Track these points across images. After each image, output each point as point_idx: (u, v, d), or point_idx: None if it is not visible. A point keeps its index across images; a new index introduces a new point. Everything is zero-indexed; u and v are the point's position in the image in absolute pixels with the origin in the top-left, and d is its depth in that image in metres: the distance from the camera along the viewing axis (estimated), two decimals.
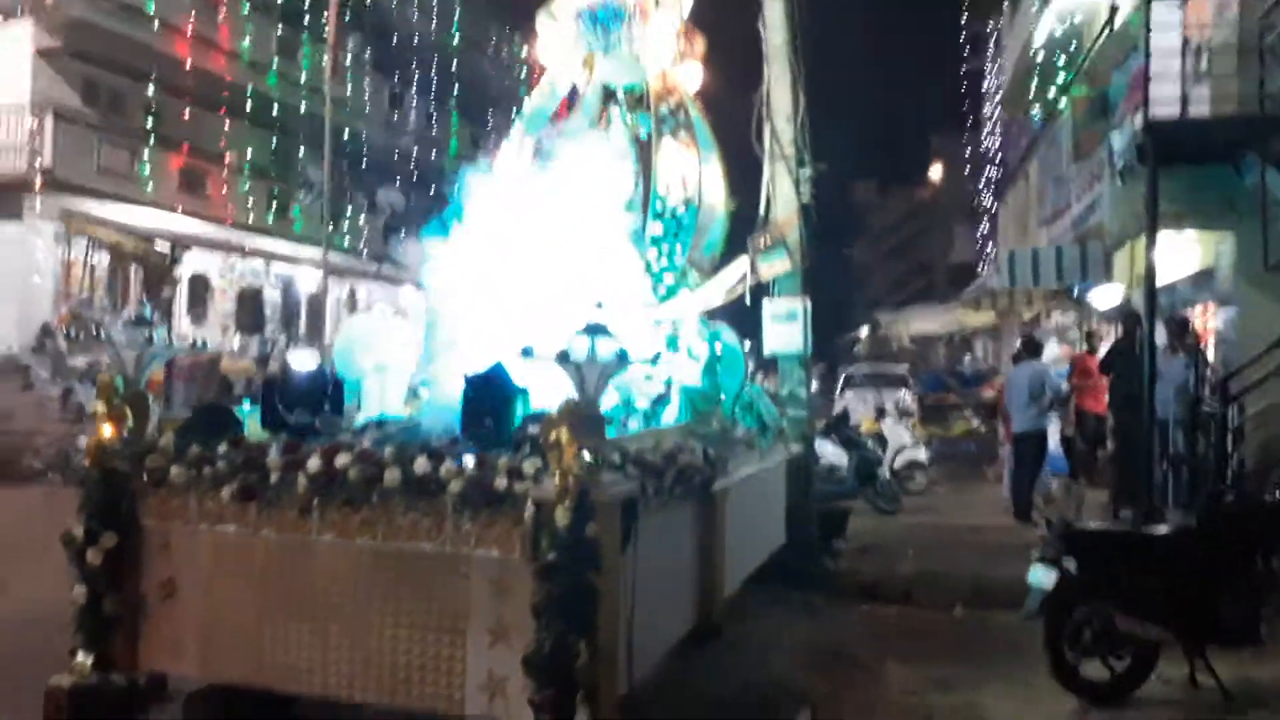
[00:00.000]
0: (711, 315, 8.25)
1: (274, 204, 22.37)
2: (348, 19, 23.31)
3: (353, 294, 24.25)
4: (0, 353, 16.73)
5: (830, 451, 12.41)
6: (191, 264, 20.30)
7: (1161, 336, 9.77)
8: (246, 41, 21.12)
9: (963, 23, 25.12)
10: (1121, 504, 9.60)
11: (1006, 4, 22.30)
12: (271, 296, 22.95)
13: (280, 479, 4.64)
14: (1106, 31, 10.65)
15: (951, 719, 5.45)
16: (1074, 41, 14.20)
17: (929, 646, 6.91)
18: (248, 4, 21.61)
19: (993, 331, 25.22)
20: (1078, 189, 14.58)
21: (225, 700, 4.93)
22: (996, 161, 26.63)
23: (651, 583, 4.94)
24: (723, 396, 6.71)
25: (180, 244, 18.24)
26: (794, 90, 8.79)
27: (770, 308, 8.82)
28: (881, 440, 14.25)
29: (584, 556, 4.10)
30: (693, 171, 7.52)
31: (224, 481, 4.76)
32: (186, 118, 20.24)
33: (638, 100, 7.83)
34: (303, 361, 5.50)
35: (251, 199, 21.67)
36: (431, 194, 23.06)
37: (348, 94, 23.87)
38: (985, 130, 27.75)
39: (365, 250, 22.28)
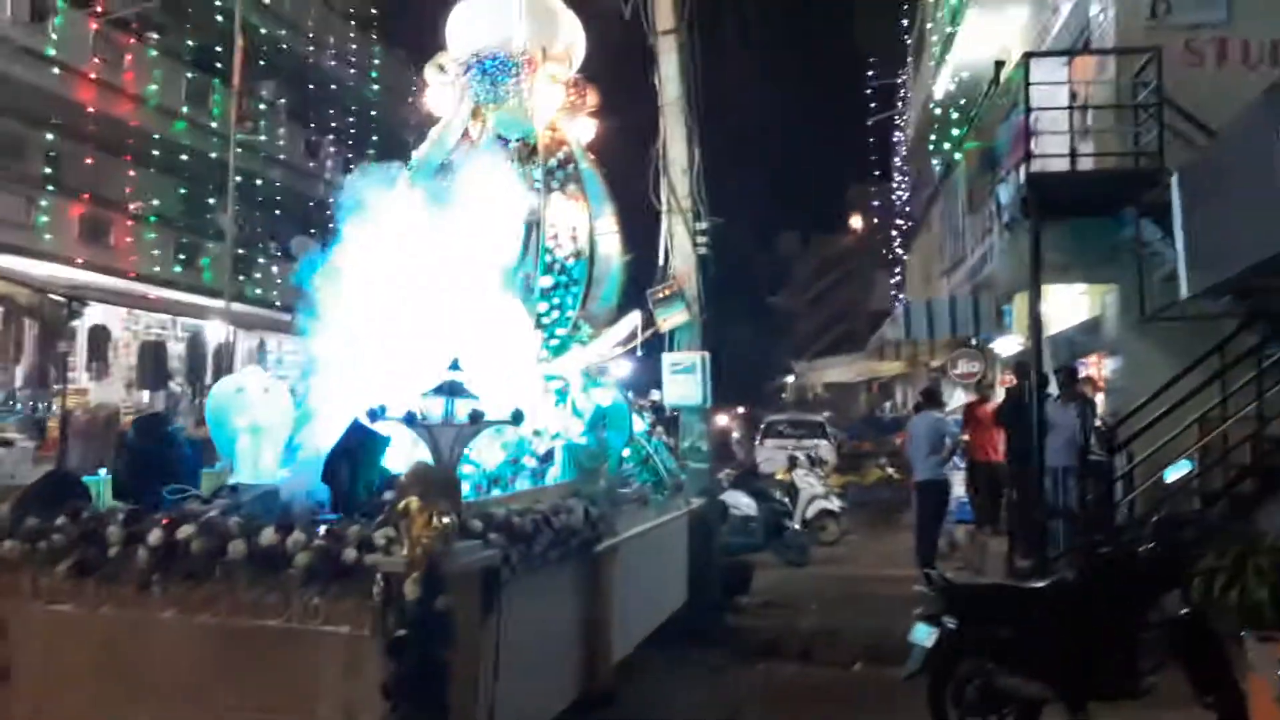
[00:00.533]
0: (604, 371, 8.17)
1: (181, 254, 21.78)
2: (262, 65, 22.98)
3: (262, 345, 23.63)
4: None
5: (744, 503, 12.35)
6: (91, 316, 19.57)
7: (1054, 386, 9.95)
8: (154, 86, 20.63)
9: (871, 76, 25.82)
10: (1020, 554, 9.66)
11: (910, 59, 23.01)
12: (176, 350, 22.23)
13: (120, 552, 4.36)
14: (993, 88, 10.99)
15: None
16: (965, 98, 14.65)
17: (824, 707, 6.82)
18: (155, 50, 21.16)
19: (908, 378, 25.64)
20: (972, 240, 14.94)
21: None
22: (905, 212, 27.31)
23: (523, 653, 4.75)
24: (610, 453, 6.56)
25: (79, 296, 17.55)
26: (689, 143, 8.83)
27: (669, 360, 8.77)
28: (794, 490, 14.28)
29: (435, 632, 3.90)
30: (583, 224, 7.46)
31: (60, 556, 4.46)
32: (89, 164, 19.63)
33: (531, 151, 7.77)
34: (149, 426, 5.22)
35: (157, 249, 21.05)
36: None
37: (260, 140, 23.47)
38: (895, 181, 28.46)
39: (277, 301, 21.73)
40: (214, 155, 20.19)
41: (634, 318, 7.91)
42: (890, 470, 18.81)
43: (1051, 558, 7.32)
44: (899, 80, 25.30)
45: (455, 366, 4.13)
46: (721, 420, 30.49)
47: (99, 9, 19.73)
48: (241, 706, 4.21)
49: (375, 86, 27.77)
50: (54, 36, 18.31)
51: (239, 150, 19.15)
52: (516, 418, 4.20)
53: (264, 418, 6.38)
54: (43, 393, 16.54)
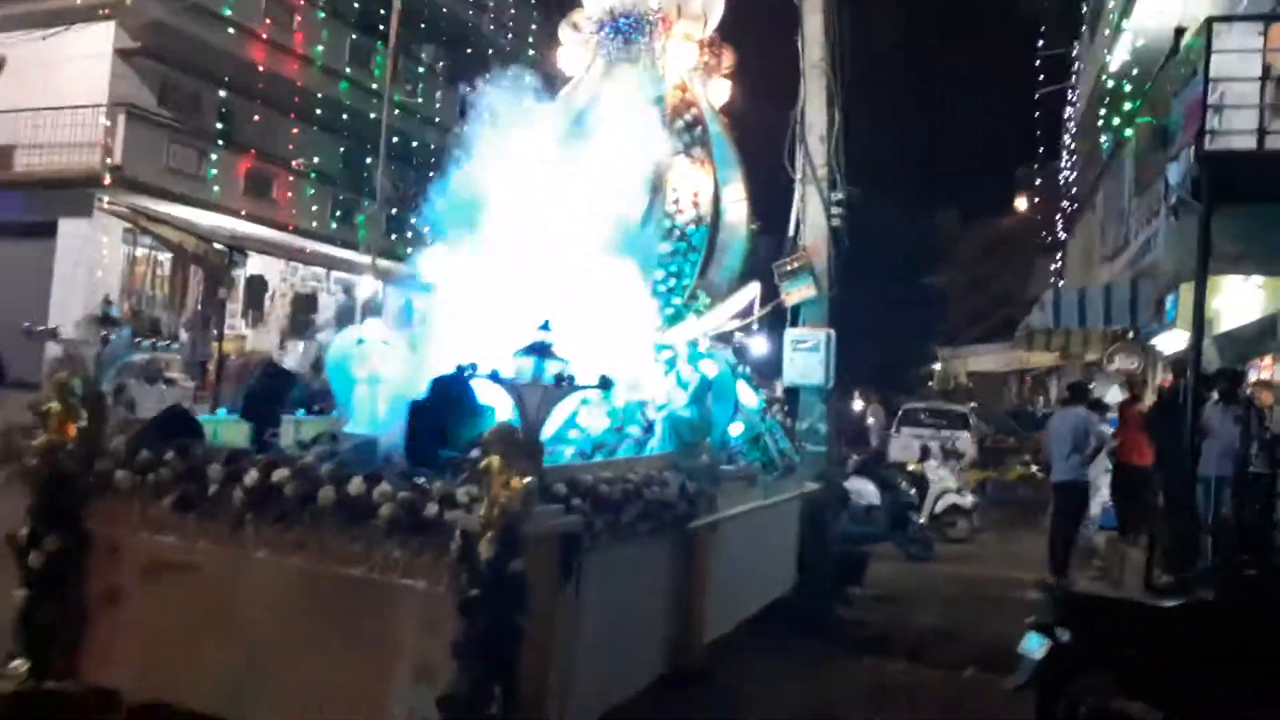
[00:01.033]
0: (730, 343, 7.96)
1: (338, 211, 22.63)
2: (423, 28, 23.53)
3: (409, 302, 24.36)
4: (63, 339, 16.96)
5: (867, 491, 11.92)
6: (251, 266, 20.62)
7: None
8: (320, 47, 21.44)
9: (1041, 46, 24.13)
10: (1160, 568, 8.93)
11: (1084, 27, 21.47)
12: (328, 302, 23.18)
13: (219, 491, 4.48)
14: (1171, 57, 10.03)
15: None
16: (1140, 68, 13.49)
17: (925, 710, 6.47)
18: (323, 10, 21.96)
19: (1063, 372, 24.23)
20: (1137, 225, 13.81)
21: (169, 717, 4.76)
22: (1070, 194, 25.64)
23: (605, 623, 4.65)
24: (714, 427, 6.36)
25: (240, 246, 18.50)
26: (829, 108, 8.44)
27: (792, 336, 8.47)
28: (923, 482, 13.72)
29: (509, 594, 3.83)
30: (707, 189, 7.23)
31: (166, 490, 4.62)
32: (256, 121, 20.62)
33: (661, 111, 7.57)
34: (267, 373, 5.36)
35: (316, 205, 21.95)
36: None
37: (417, 103, 24.08)
38: (1062, 161, 26.75)
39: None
40: (374, 116, 20.81)
41: (751, 289, 7.64)
42: (1034, 468, 17.88)
43: (1189, 576, 6.68)
44: (1072, 51, 23.65)
45: (546, 327, 4.02)
46: (858, 405, 29.72)
47: None
48: (322, 652, 4.26)
49: (531, 52, 28.07)
50: None
51: (397, 111, 19.73)
52: (604, 384, 4.06)
53: (383, 369, 6.49)
54: (204, 336, 17.53)
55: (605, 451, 6.18)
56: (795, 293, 8.40)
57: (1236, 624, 4.67)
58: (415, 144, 23.74)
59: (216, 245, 17.99)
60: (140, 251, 19.34)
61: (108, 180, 17.59)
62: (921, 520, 12.69)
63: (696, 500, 5.52)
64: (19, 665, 4.71)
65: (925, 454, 14.63)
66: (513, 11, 27.86)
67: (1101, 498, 12.16)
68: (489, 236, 6.64)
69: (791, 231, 8.55)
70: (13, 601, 4.74)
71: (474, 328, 6.02)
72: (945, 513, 13.48)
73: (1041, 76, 24.34)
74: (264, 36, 20.22)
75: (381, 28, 21.48)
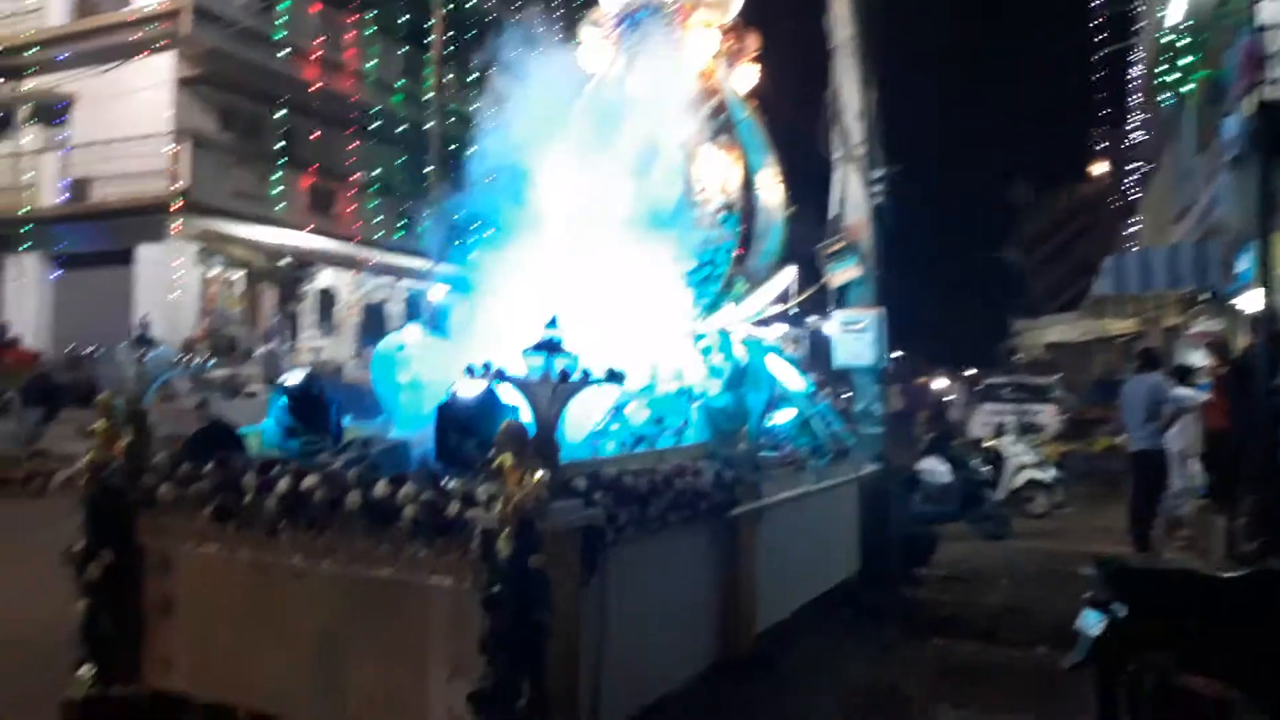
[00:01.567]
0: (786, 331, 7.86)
1: (402, 220, 23.02)
2: (470, 36, 23.77)
3: (444, 307, 24.74)
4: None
5: (939, 470, 11.64)
6: (321, 279, 21.12)
7: None
8: (372, 62, 21.84)
9: (1102, 4, 23.24)
10: (1245, 536, 8.53)
11: None
12: (396, 310, 23.62)
13: (253, 499, 4.56)
14: (1225, 5, 9.52)
15: None
16: (1198, 19, 12.86)
17: (995, 692, 6.26)
18: (373, 26, 22.34)
19: (1146, 338, 23.33)
20: (1202, 182, 13.15)
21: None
22: (1140, 155, 24.67)
23: (639, 616, 4.61)
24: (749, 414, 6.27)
25: (309, 260, 18.98)
26: (864, 86, 8.25)
27: (840, 317, 8.31)
28: (999, 458, 13.35)
29: (530, 589, 3.82)
30: (735, 177, 7.12)
31: (205, 501, 4.73)
32: (315, 138, 21.09)
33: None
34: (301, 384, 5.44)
35: (379, 215, 22.38)
36: None
37: (471, 110, 24.30)
38: (1134, 122, 25.76)
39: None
40: (429, 125, 21.08)
41: (788, 274, 7.50)
42: (1120, 439, 17.25)
43: (1271, 543, 6.32)
44: (1134, 5, 22.75)
45: (553, 324, 3.99)
46: (940, 383, 29.06)
47: None
48: (361, 654, 4.31)
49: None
50: (281, 21, 19.66)
51: (450, 120, 19.98)
52: (613, 377, 4.01)
53: (424, 374, 6.55)
54: (280, 349, 18.03)
55: (646, 443, 6.15)
56: (841, 274, 8.24)
57: None
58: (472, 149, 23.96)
59: (284, 261, 18.46)
60: (213, 272, 19.96)
61: (178, 205, 18.18)
62: (999, 497, 12.35)
63: (735, 488, 5.43)
64: (86, 671, 4.89)
65: (1000, 430, 14.25)
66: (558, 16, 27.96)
67: (1189, 466, 11.66)
68: (524, 235, 6.66)
69: (832, 213, 8.38)
70: (75, 612, 4.94)
71: (513, 327, 6.04)
72: (1023, 488, 13.09)
73: (1105, 34, 23.47)
74: (317, 56, 20.66)
75: (429, 39, 21.78)
